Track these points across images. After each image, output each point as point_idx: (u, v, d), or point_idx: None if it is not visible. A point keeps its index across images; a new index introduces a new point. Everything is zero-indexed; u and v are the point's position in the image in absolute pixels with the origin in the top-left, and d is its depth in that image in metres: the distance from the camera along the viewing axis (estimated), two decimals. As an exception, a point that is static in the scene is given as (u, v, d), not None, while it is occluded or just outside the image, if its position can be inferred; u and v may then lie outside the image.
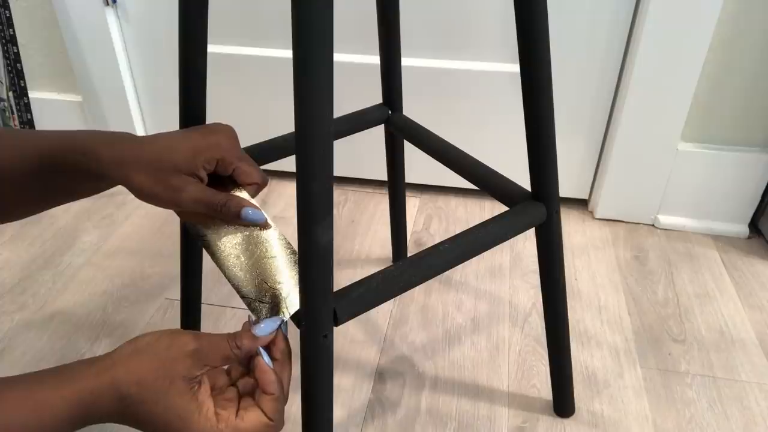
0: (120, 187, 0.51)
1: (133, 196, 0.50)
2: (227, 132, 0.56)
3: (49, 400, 0.41)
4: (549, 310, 0.69)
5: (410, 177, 1.19)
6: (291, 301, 0.48)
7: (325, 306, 0.47)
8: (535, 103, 0.56)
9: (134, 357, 0.43)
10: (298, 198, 0.42)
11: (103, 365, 0.43)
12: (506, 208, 0.62)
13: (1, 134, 0.50)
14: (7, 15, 1.07)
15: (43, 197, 0.52)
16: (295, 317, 0.48)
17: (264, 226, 0.51)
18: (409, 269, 0.53)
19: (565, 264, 1.03)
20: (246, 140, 0.77)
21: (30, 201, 0.52)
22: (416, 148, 0.76)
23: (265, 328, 0.46)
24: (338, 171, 1.23)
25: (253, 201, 0.52)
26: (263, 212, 0.51)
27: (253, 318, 0.48)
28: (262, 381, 0.46)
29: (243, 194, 0.53)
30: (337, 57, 1.08)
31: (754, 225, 1.10)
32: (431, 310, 0.94)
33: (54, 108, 1.23)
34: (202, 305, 0.94)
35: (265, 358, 0.46)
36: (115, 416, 0.42)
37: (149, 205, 0.51)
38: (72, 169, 0.49)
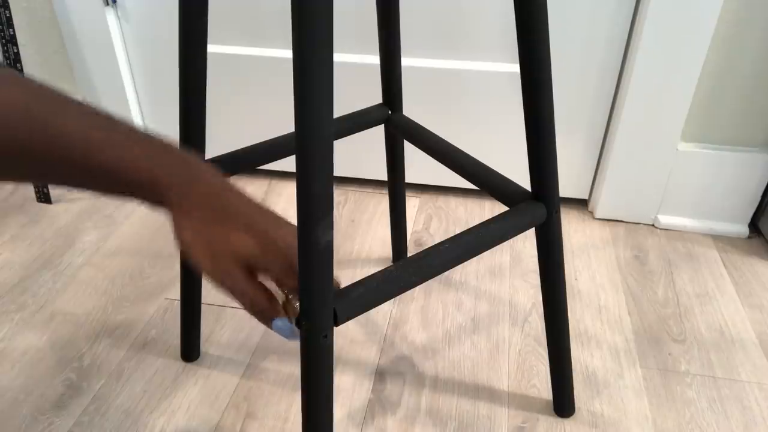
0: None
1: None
2: (286, 245, 0.47)
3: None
4: (549, 310, 0.69)
5: (410, 177, 1.19)
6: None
7: (325, 306, 0.47)
8: (535, 103, 0.56)
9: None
10: (298, 198, 0.42)
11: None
12: (506, 208, 0.62)
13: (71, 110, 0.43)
14: (7, 15, 1.07)
15: (76, 188, 0.47)
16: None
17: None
18: (409, 269, 0.53)
19: (565, 264, 1.03)
20: (246, 140, 0.77)
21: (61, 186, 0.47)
22: (416, 148, 0.76)
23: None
24: (338, 171, 1.23)
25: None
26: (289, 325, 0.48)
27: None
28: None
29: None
30: (337, 57, 1.08)
31: (754, 225, 1.10)
32: (431, 310, 0.94)
33: (54, 108, 1.23)
34: (202, 305, 0.94)
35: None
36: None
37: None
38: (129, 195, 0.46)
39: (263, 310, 0.47)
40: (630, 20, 0.97)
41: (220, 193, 0.46)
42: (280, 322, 0.47)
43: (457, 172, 0.70)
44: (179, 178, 0.45)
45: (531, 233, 1.08)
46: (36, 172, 0.43)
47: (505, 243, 1.06)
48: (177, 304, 0.94)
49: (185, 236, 0.46)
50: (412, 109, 1.11)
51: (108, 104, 1.20)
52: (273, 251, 0.46)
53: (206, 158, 0.68)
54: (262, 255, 0.46)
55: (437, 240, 1.07)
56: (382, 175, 1.20)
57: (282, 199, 1.18)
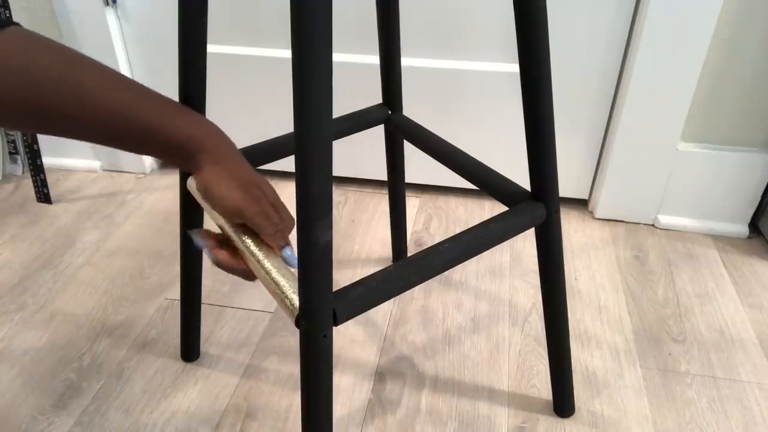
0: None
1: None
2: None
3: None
4: (549, 310, 0.69)
5: (410, 177, 1.19)
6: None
7: (325, 306, 0.47)
8: (535, 103, 0.56)
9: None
10: (297, 198, 0.42)
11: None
12: (506, 208, 0.62)
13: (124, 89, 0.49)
14: (7, 15, 1.07)
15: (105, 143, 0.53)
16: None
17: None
18: (409, 269, 0.53)
19: (565, 264, 1.03)
20: (245, 140, 0.77)
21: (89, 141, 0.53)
22: (416, 148, 0.76)
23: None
24: (338, 171, 1.23)
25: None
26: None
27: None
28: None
29: None
30: (337, 57, 1.08)
31: (754, 225, 1.10)
32: (431, 310, 0.94)
33: (54, 108, 1.23)
34: (202, 305, 0.94)
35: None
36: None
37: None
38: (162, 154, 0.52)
39: (283, 233, 0.54)
40: (630, 20, 0.97)
41: (236, 147, 0.55)
42: (289, 251, 0.55)
43: (457, 172, 0.70)
44: (209, 135, 0.52)
45: (531, 233, 1.08)
46: (71, 128, 0.48)
47: (505, 243, 1.06)
48: (177, 304, 0.94)
49: (219, 184, 0.52)
50: (412, 109, 1.11)
51: (108, 104, 1.19)
52: (284, 207, 0.55)
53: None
54: (282, 207, 0.55)
55: (437, 240, 1.07)
56: (382, 175, 1.20)
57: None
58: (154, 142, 0.50)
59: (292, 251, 0.55)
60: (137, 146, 0.51)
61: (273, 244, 0.54)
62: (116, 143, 0.51)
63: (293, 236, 0.47)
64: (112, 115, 0.48)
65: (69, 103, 0.46)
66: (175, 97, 0.66)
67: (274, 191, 0.56)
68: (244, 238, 0.54)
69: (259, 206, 0.53)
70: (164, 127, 0.50)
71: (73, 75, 0.46)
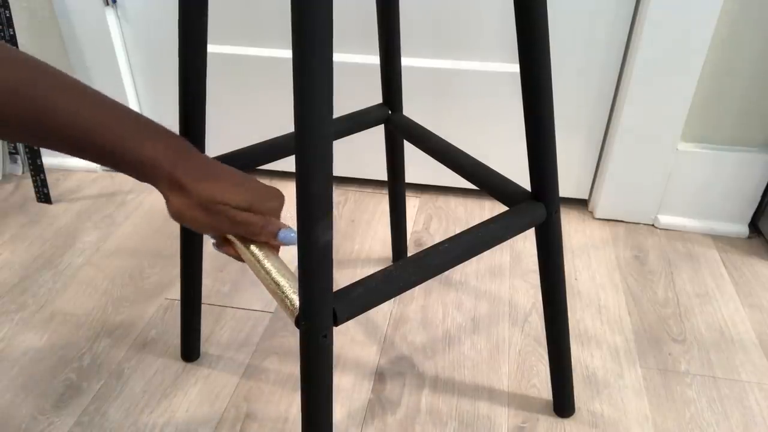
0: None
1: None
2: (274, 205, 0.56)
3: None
4: (549, 310, 0.69)
5: (410, 177, 1.19)
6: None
7: (325, 306, 0.47)
8: (535, 103, 0.56)
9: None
10: (297, 198, 0.42)
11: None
12: (506, 208, 0.62)
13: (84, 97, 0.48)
14: (7, 15, 1.07)
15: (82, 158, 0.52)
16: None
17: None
18: (409, 269, 0.53)
19: (565, 264, 1.03)
20: (246, 140, 0.77)
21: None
22: (416, 148, 0.76)
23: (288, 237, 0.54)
24: (338, 171, 1.23)
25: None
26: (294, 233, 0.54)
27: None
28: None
29: None
30: (337, 57, 1.08)
31: (754, 225, 1.10)
32: (431, 310, 0.94)
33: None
34: (202, 305, 0.94)
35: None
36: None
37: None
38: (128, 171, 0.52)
39: (268, 227, 0.53)
40: (630, 20, 0.97)
41: (208, 164, 0.53)
42: (284, 233, 0.53)
43: (457, 172, 0.70)
44: (177, 161, 0.51)
45: (531, 233, 1.08)
46: (38, 141, 0.48)
47: (505, 243, 1.06)
48: (177, 304, 0.94)
49: (185, 213, 0.52)
50: (412, 109, 1.11)
51: (108, 104, 1.19)
52: (263, 197, 0.53)
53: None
54: (258, 201, 0.53)
55: (437, 240, 1.07)
56: (382, 175, 1.20)
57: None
58: (117, 164, 0.50)
59: (287, 231, 0.54)
60: (106, 165, 0.51)
61: (267, 241, 0.54)
62: (88, 159, 0.50)
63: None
64: (75, 134, 0.47)
65: (31, 119, 0.45)
66: (176, 98, 0.66)
67: (245, 191, 0.53)
68: (242, 241, 0.54)
69: (232, 220, 0.52)
70: (126, 153, 0.49)
71: (36, 91, 0.45)
